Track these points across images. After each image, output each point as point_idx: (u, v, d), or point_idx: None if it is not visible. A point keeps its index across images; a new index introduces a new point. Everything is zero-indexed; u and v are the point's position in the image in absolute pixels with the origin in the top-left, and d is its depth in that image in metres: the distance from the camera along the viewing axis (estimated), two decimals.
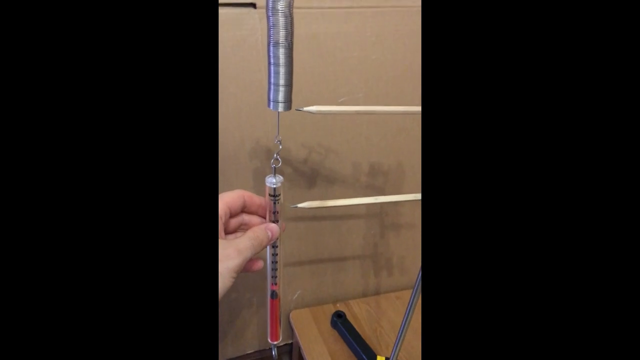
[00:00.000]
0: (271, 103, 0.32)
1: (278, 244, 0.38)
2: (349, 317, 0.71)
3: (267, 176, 0.37)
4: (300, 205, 0.38)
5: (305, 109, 0.33)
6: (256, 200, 0.37)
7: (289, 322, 0.74)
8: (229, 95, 0.56)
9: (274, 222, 0.37)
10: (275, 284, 0.42)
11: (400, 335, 0.50)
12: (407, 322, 0.48)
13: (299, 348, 0.69)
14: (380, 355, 0.63)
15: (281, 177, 0.36)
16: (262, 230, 0.35)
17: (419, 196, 0.41)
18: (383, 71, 0.62)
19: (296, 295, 0.76)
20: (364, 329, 0.70)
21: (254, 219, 0.38)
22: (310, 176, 0.66)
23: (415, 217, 0.77)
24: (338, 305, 0.76)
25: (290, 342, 0.78)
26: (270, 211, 0.37)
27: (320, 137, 0.64)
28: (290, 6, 0.28)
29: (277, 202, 0.36)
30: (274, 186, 0.36)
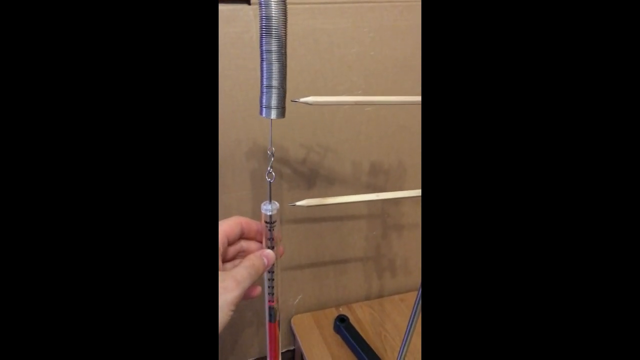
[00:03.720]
0: (263, 109, 0.31)
1: (274, 269, 0.38)
2: (352, 321, 0.69)
3: (263, 203, 0.36)
4: (298, 203, 0.36)
5: (302, 99, 0.31)
6: (254, 226, 0.37)
7: (291, 328, 0.72)
8: (224, 94, 0.54)
9: (270, 248, 0.37)
10: (272, 300, 0.40)
11: (406, 340, 0.48)
12: (412, 325, 0.46)
13: (302, 354, 0.67)
14: (384, 359, 0.61)
15: (277, 204, 0.36)
16: (258, 257, 0.35)
17: (420, 192, 0.40)
18: (382, 67, 0.60)
19: (297, 300, 0.74)
20: (368, 333, 0.68)
21: (252, 244, 0.37)
22: (309, 176, 0.65)
23: (418, 217, 0.76)
24: (341, 309, 0.74)
25: (292, 348, 0.76)
26: (266, 237, 0.36)
27: (318, 136, 0.62)
28: None
29: (272, 229, 0.36)
30: (270, 213, 0.35)
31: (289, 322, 0.72)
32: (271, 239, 0.36)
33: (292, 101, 0.31)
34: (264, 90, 0.31)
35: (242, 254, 0.37)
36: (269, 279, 0.39)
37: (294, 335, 0.71)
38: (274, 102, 0.31)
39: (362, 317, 0.72)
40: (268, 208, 0.35)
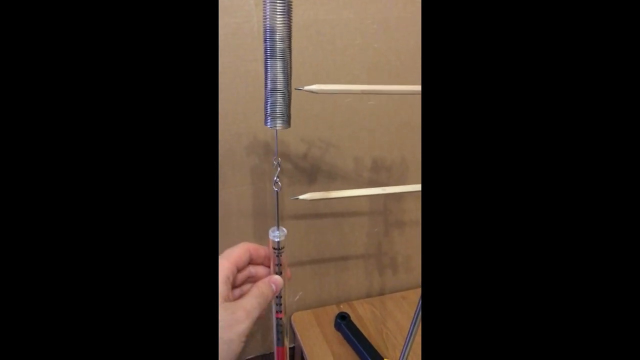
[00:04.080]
0: (268, 119, 0.30)
1: (282, 294, 0.38)
2: (353, 318, 0.68)
3: (271, 229, 0.36)
4: (301, 197, 0.35)
5: (306, 88, 0.30)
6: (261, 252, 0.37)
7: (291, 325, 0.71)
8: (224, 87, 0.53)
9: (278, 273, 0.37)
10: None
11: (409, 339, 0.47)
12: (415, 324, 0.45)
13: (302, 352, 0.66)
14: (387, 358, 0.60)
15: (285, 230, 0.36)
16: (266, 285, 0.35)
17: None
18: (385, 60, 0.59)
19: (297, 297, 0.73)
20: (369, 330, 0.67)
21: (260, 269, 0.38)
22: (310, 172, 0.64)
23: (420, 214, 0.75)
24: (342, 306, 0.73)
25: (292, 346, 0.75)
26: (274, 263, 0.37)
27: (320, 130, 0.61)
28: None
29: (280, 255, 0.36)
30: (278, 240, 0.36)
31: (289, 319, 0.71)
32: (279, 264, 0.36)
33: (296, 89, 0.30)
34: (269, 95, 0.30)
35: (250, 279, 0.37)
36: (277, 304, 0.40)
37: (294, 333, 0.70)
38: (279, 109, 0.30)
39: (363, 315, 0.71)
40: (276, 234, 0.36)
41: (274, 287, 0.36)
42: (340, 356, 0.62)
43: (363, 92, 0.31)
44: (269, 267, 0.37)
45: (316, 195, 0.35)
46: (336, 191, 0.35)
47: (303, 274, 0.71)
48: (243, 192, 0.61)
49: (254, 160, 0.60)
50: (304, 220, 0.67)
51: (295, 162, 0.62)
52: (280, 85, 0.29)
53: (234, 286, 0.36)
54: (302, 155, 0.62)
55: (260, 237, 0.65)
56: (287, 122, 0.31)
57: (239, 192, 0.61)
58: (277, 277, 0.36)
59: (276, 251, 0.36)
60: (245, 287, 0.37)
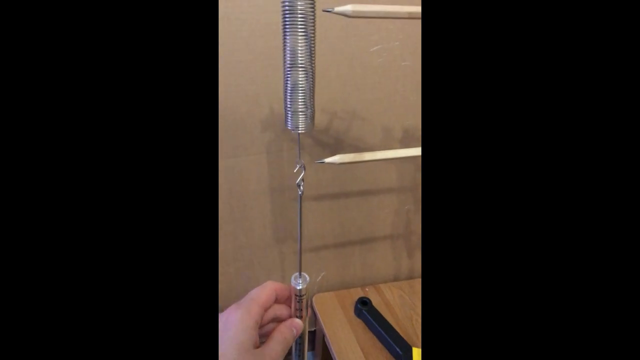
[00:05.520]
0: (289, 117, 0.27)
1: (302, 334, 0.40)
2: (379, 303, 0.63)
3: (293, 275, 0.37)
4: (328, 160, 0.30)
5: (337, 9, 0.24)
6: (286, 292, 0.39)
7: (312, 307, 0.66)
8: (241, 41, 0.47)
9: (298, 317, 0.39)
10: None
11: None
12: None
13: (323, 336, 0.61)
14: (417, 346, 0.55)
15: (307, 278, 0.37)
16: (288, 329, 0.37)
17: None
18: None
19: (320, 277, 0.68)
20: (397, 316, 0.62)
21: (283, 309, 0.40)
22: (333, 147, 0.58)
23: None
24: (367, 289, 0.68)
25: (313, 329, 0.71)
26: (295, 308, 0.38)
27: (344, 98, 0.55)
28: None
29: (301, 300, 0.38)
30: (300, 287, 0.37)
31: (311, 300, 0.67)
32: (300, 309, 0.38)
33: (323, 11, 0.24)
34: (289, 85, 0.26)
35: (275, 319, 0.39)
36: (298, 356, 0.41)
37: (315, 316, 0.65)
38: (300, 103, 0.26)
39: (390, 299, 0.66)
40: (299, 282, 0.37)
41: (295, 331, 0.38)
42: (366, 342, 0.58)
43: (410, 17, 0.25)
44: (290, 306, 0.39)
45: (346, 158, 0.29)
46: (370, 153, 0.30)
47: (326, 253, 0.67)
48: (260, 160, 0.56)
49: (272, 123, 0.54)
50: (328, 197, 0.62)
51: (316, 137, 0.56)
52: (301, 61, 0.25)
53: (261, 325, 0.37)
54: (323, 129, 0.56)
55: (279, 212, 0.60)
56: (310, 120, 0.28)
57: (256, 160, 0.56)
58: (298, 321, 0.38)
59: (298, 297, 0.37)
60: (268, 327, 0.38)
